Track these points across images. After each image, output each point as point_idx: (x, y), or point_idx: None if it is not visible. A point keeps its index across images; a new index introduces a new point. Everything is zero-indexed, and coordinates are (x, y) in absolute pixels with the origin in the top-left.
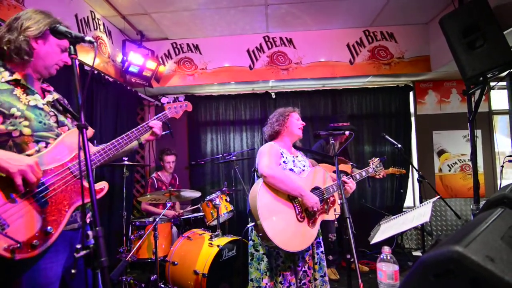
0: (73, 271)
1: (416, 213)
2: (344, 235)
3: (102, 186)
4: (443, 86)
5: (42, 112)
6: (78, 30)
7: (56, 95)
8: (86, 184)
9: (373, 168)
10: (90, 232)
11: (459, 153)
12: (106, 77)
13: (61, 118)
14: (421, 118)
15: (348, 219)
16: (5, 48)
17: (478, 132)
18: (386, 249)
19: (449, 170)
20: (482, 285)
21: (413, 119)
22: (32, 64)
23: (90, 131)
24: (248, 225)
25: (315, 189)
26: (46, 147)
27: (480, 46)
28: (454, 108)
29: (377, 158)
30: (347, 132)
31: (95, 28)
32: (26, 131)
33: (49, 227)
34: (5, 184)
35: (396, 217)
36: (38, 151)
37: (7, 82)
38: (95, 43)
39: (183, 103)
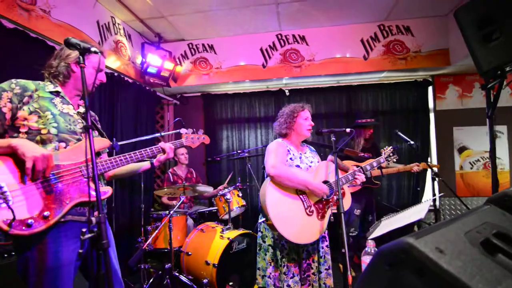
0: (80, 250)
1: (414, 210)
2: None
3: (106, 190)
4: (465, 80)
5: (71, 118)
6: (99, 36)
7: None
8: (92, 185)
9: (385, 158)
10: (93, 218)
11: (482, 150)
12: (126, 78)
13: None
14: (440, 113)
15: (342, 214)
16: (51, 71)
17: (504, 128)
18: (371, 243)
19: (471, 168)
20: (427, 274)
21: (432, 114)
22: (73, 83)
23: (106, 142)
24: (259, 221)
25: (324, 183)
26: (65, 147)
27: (496, 38)
28: (476, 103)
29: (390, 147)
30: (347, 129)
31: (116, 32)
32: (53, 131)
33: (46, 212)
34: (23, 168)
35: (397, 213)
36: (57, 149)
37: (50, 92)
38: (99, 53)
39: (201, 135)
